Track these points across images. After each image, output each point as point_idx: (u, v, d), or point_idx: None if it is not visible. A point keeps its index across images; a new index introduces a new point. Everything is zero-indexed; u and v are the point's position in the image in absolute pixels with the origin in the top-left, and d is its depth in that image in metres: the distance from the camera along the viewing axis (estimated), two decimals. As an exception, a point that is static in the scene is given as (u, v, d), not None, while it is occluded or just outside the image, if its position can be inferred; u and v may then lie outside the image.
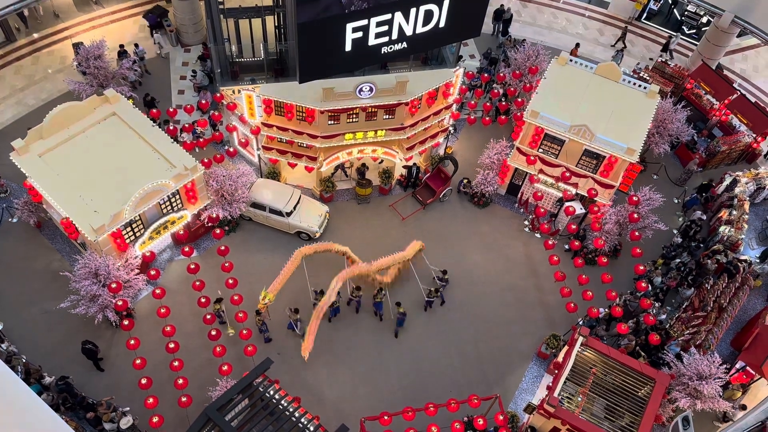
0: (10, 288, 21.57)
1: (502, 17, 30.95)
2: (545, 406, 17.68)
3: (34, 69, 27.83)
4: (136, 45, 27.75)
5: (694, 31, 33.98)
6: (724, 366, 19.16)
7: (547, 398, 17.86)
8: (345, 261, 21.85)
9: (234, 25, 23.86)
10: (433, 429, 17.70)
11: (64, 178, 20.20)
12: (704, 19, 33.76)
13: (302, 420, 15.79)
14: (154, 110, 23.50)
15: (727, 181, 25.67)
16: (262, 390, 16.33)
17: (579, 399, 18.21)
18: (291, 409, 16.03)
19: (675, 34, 32.36)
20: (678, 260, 23.47)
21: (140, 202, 20.20)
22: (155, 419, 17.71)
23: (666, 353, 20.50)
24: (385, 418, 17.68)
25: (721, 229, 24.06)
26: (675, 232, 24.96)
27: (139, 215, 20.62)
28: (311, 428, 15.72)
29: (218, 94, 23.70)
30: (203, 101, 25.30)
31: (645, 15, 33.82)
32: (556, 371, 19.32)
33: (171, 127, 22.84)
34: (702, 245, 24.33)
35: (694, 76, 28.51)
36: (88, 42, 25.26)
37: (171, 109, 24.11)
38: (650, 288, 22.38)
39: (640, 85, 23.65)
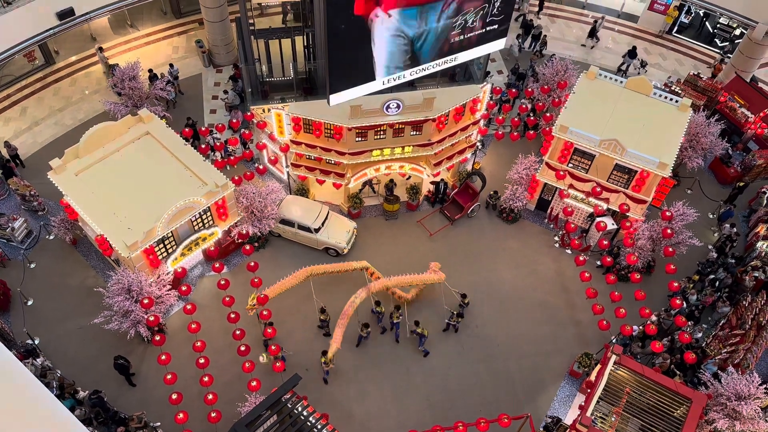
0: (46, 303, 22.09)
1: (532, 32, 30.90)
2: (578, 426, 17.31)
3: (71, 90, 28.70)
4: (171, 65, 28.44)
5: (728, 43, 33.43)
6: (764, 386, 18.56)
7: (579, 418, 17.49)
8: (366, 276, 21.68)
9: (264, 46, 24.29)
10: (462, 448, 17.49)
11: (99, 196, 20.67)
12: (737, 32, 33.20)
13: (330, 437, 15.76)
14: (203, 129, 24.61)
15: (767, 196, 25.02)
16: (290, 406, 16.35)
17: (612, 419, 17.79)
18: (319, 426, 16.01)
19: (601, 16, 32.07)
20: (713, 276, 22.91)
21: (172, 219, 20.55)
22: (185, 434, 17.88)
23: (702, 372, 19.95)
24: (414, 436, 17.55)
25: (759, 244, 23.42)
26: (710, 247, 24.37)
27: (171, 232, 20.98)
28: (339, 445, 15.69)
29: (249, 113, 24.09)
30: (234, 120, 25.71)
31: (675, 28, 33.42)
32: (589, 390, 18.92)
33: (203, 146, 23.26)
34: (739, 261, 23.71)
35: (727, 89, 28.01)
36: (123, 64, 26.00)
37: (203, 129, 24.64)
38: (685, 305, 21.85)
39: (671, 99, 23.32)
